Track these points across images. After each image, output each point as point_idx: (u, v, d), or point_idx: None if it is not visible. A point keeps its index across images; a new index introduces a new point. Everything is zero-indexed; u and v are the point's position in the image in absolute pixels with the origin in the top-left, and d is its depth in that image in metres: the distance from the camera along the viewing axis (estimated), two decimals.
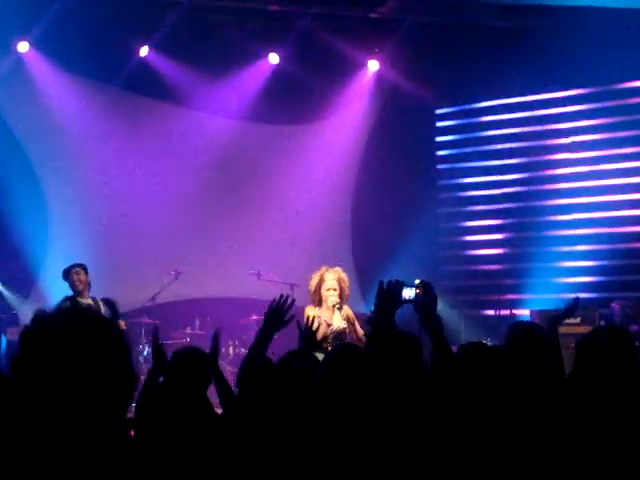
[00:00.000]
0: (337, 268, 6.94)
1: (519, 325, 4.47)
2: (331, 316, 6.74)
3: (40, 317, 1.82)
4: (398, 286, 3.47)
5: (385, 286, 3.47)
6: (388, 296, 3.45)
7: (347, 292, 6.92)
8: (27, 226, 10.25)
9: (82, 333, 1.76)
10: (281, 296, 4.08)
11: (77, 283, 7.69)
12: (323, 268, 6.92)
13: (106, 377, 1.75)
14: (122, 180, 10.95)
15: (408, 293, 3.48)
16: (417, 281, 3.51)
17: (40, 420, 1.71)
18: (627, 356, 3.32)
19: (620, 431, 2.97)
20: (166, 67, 11.05)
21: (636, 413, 3.04)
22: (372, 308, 8.86)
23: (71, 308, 1.58)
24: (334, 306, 6.73)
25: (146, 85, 11.15)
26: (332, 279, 6.84)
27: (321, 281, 6.83)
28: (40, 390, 1.70)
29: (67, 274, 7.79)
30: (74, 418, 1.71)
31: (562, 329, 8.69)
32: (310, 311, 6.68)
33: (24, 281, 10.50)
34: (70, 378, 1.70)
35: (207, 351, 4.46)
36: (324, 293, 6.79)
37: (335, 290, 6.81)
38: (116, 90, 10.97)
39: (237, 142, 11.41)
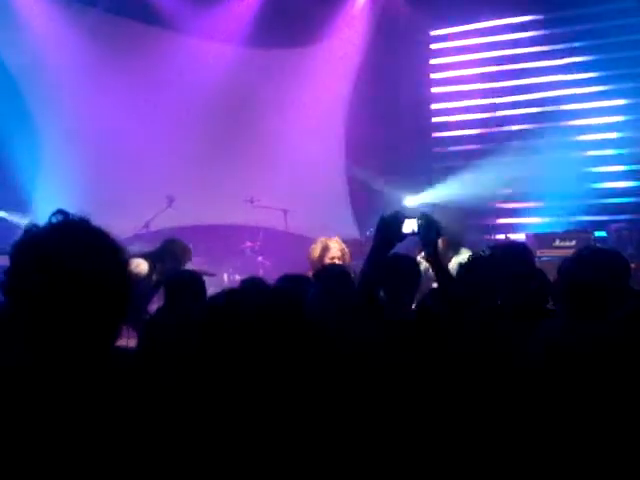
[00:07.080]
0: (337, 238, 6.63)
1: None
2: None
3: (30, 230, 1.78)
4: (399, 218, 3.24)
5: (386, 219, 3.23)
6: (389, 230, 3.22)
7: (348, 262, 6.54)
8: (20, 156, 10.04)
9: (77, 246, 1.75)
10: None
11: None
12: (323, 238, 6.71)
13: (101, 290, 1.73)
14: (113, 108, 10.70)
15: (409, 226, 3.24)
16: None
17: (30, 335, 1.68)
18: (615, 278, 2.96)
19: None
20: None
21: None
22: (367, 234, 8.71)
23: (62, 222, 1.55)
24: None
25: (133, 9, 10.81)
26: (336, 249, 6.61)
27: (325, 250, 6.43)
28: (30, 307, 1.67)
29: None
30: (66, 332, 1.68)
31: (557, 252, 8.82)
32: None
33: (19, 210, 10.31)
34: (62, 289, 1.67)
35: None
36: (328, 262, 6.40)
37: (339, 260, 6.60)
38: (101, 14, 10.65)
39: (229, 67, 11.17)
